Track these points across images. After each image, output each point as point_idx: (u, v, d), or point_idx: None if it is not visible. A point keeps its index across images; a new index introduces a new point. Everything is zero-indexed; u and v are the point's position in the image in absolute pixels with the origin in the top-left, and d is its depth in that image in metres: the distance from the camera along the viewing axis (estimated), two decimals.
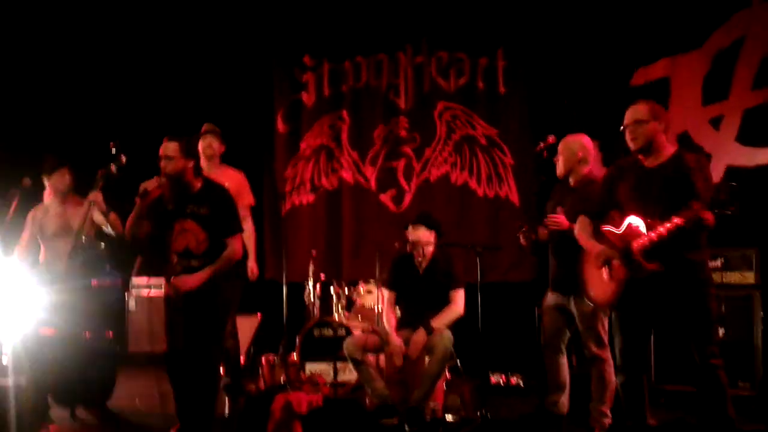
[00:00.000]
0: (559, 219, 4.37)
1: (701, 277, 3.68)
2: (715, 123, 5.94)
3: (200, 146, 5.30)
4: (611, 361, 4.32)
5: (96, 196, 4.85)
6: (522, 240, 4.64)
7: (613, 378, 4.30)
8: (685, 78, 6.08)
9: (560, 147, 4.53)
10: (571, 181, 4.49)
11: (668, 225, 3.46)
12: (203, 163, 5.19)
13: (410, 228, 5.10)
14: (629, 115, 3.77)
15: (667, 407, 5.00)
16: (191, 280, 4.19)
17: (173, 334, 4.35)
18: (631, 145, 3.76)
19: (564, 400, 4.52)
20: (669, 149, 3.76)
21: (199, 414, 4.28)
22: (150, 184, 4.26)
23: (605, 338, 4.35)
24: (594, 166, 6.29)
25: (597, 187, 4.31)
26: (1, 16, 6.95)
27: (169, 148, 4.23)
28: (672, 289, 3.62)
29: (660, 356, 5.20)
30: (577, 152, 4.47)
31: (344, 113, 7.40)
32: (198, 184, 4.32)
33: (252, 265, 5.55)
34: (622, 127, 3.79)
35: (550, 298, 4.57)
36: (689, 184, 3.53)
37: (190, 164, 4.28)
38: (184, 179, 4.26)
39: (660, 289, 3.63)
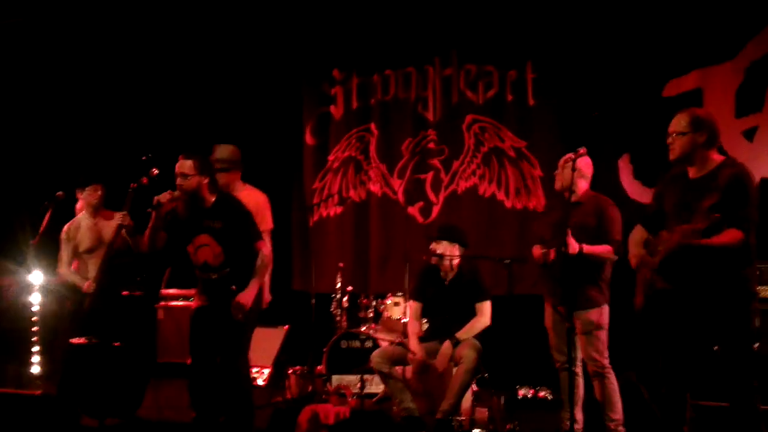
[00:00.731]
0: (570, 243, 4.31)
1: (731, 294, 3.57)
2: (749, 135, 5.85)
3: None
4: (612, 371, 4.35)
5: (125, 218, 4.95)
6: (540, 257, 4.57)
7: (617, 387, 4.30)
8: (717, 89, 6.01)
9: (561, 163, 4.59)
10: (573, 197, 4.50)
11: (681, 239, 3.47)
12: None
13: (433, 242, 5.10)
14: (671, 123, 3.73)
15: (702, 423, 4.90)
16: (247, 298, 4.28)
17: (202, 348, 4.39)
18: (669, 154, 3.72)
19: (580, 416, 4.47)
20: (714, 161, 3.67)
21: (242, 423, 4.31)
22: (163, 197, 4.34)
23: (606, 350, 4.37)
24: (624, 179, 6.30)
25: (601, 203, 4.40)
26: (41, 31, 7.09)
27: (185, 165, 4.36)
28: (699, 307, 3.55)
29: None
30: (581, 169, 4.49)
31: (372, 126, 7.41)
32: (212, 199, 4.42)
33: (265, 293, 5.19)
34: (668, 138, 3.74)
35: (554, 315, 4.52)
36: (722, 197, 3.49)
37: (205, 181, 4.39)
38: (199, 195, 4.38)
39: (686, 308, 3.57)
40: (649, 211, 3.93)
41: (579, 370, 4.53)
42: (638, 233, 3.94)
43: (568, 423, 4.40)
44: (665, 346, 3.73)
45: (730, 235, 3.45)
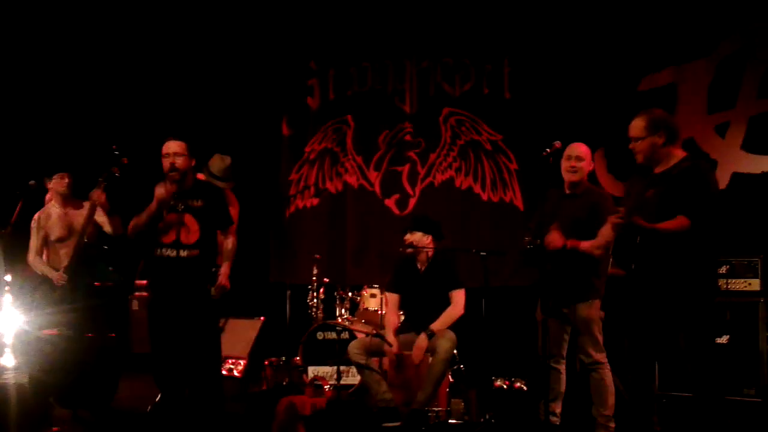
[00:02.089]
0: (554, 239, 4.33)
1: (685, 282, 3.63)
2: (721, 130, 5.94)
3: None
4: (609, 366, 4.33)
5: (99, 195, 4.90)
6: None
7: (612, 382, 4.30)
8: (690, 85, 6.09)
9: (582, 153, 4.50)
10: (574, 178, 4.49)
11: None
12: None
13: (408, 233, 5.12)
14: (630, 130, 3.79)
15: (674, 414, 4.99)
16: (227, 280, 4.47)
17: (165, 337, 4.38)
18: (635, 159, 3.79)
19: (559, 409, 4.52)
20: (677, 156, 3.75)
21: (211, 405, 4.33)
22: (166, 194, 4.31)
23: (602, 343, 4.37)
24: (599, 173, 6.36)
25: (599, 193, 4.36)
26: (13, 20, 6.96)
27: (179, 146, 4.38)
28: (655, 293, 3.62)
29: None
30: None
31: (349, 118, 7.40)
32: (190, 182, 4.48)
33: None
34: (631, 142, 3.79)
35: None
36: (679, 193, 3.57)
37: (193, 163, 4.46)
38: (186, 176, 4.40)
39: (641, 294, 3.64)
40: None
41: (563, 366, 4.55)
42: (609, 230, 3.97)
43: (550, 416, 4.41)
44: (628, 333, 3.79)
45: (677, 222, 3.53)
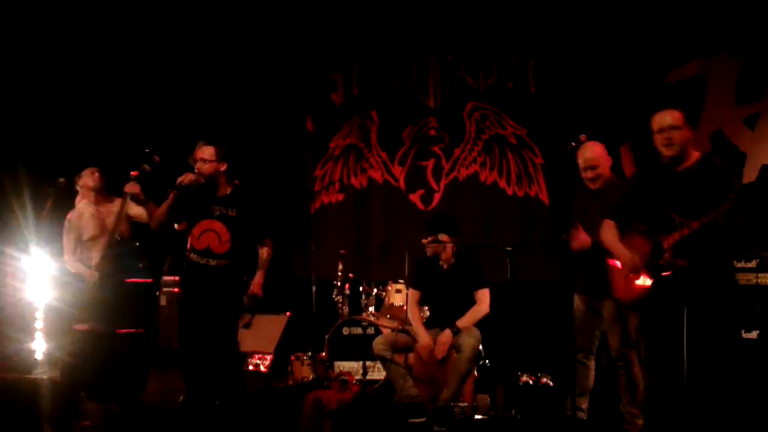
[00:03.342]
0: (582, 238, 4.30)
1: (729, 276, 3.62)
2: (750, 122, 5.86)
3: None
4: (638, 362, 4.29)
5: (133, 187, 4.89)
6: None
7: (641, 379, 4.27)
8: (719, 77, 6.02)
9: (596, 158, 4.41)
10: (596, 185, 4.42)
11: (704, 219, 3.44)
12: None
13: (425, 234, 5.12)
14: (664, 120, 3.68)
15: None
16: (260, 288, 4.56)
17: (193, 336, 4.43)
18: (666, 151, 3.67)
19: (586, 405, 4.50)
20: (695, 154, 3.72)
21: (234, 403, 4.38)
22: (186, 178, 4.36)
23: (633, 339, 4.30)
24: (626, 167, 6.31)
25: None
26: (43, 22, 7.05)
27: (206, 151, 4.46)
28: (701, 288, 3.57)
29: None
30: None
31: (373, 113, 7.40)
32: (228, 189, 4.50)
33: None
34: (657, 130, 3.72)
35: (581, 300, 4.53)
36: (724, 182, 3.51)
37: (222, 168, 4.47)
38: (216, 181, 4.45)
39: (689, 289, 3.58)
40: (619, 204, 3.91)
41: (592, 361, 4.52)
42: (611, 228, 3.89)
43: (577, 411, 4.43)
44: (656, 332, 3.74)
45: (725, 207, 3.47)
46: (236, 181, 4.59)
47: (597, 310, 4.40)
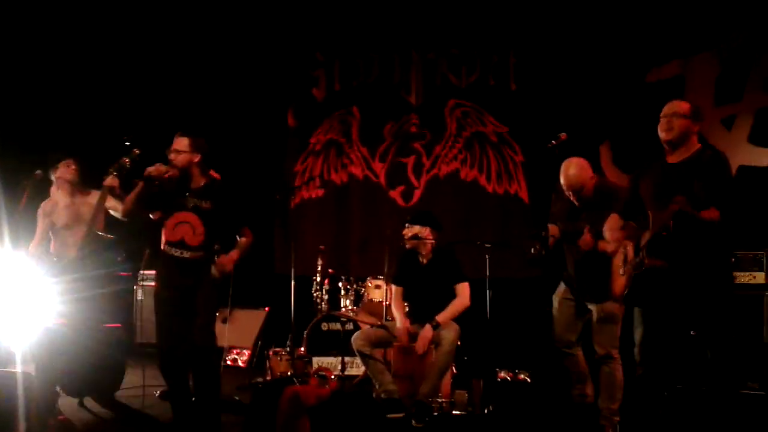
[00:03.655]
0: (588, 240, 4.32)
1: (712, 274, 3.63)
2: (728, 123, 5.93)
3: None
4: (620, 361, 4.33)
5: (112, 181, 4.87)
6: (531, 251, 4.49)
7: (622, 376, 4.31)
8: (698, 78, 6.09)
9: (580, 178, 4.37)
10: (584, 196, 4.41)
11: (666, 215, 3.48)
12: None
13: (406, 227, 5.14)
14: (668, 107, 3.76)
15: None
16: (229, 260, 4.43)
17: (169, 327, 4.40)
18: (663, 135, 3.74)
19: (589, 390, 4.52)
20: (695, 146, 3.76)
21: (209, 399, 4.36)
22: (155, 170, 4.31)
23: (618, 340, 4.36)
24: (605, 165, 6.36)
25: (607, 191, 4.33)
26: (25, 13, 6.96)
27: (181, 143, 4.40)
28: (684, 285, 3.60)
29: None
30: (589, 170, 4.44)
31: (354, 109, 7.40)
32: (202, 181, 4.44)
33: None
34: (662, 115, 3.76)
35: (563, 291, 4.56)
36: (702, 180, 3.54)
37: (196, 159, 4.41)
38: (189, 172, 4.39)
39: (673, 285, 3.62)
40: (626, 200, 3.94)
41: (577, 350, 4.53)
42: (615, 221, 3.97)
43: (582, 398, 4.48)
44: (651, 325, 3.77)
45: (712, 213, 3.50)
46: (212, 172, 4.55)
47: (584, 308, 4.42)
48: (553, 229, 4.50)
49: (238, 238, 4.58)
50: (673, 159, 3.75)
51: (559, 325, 4.54)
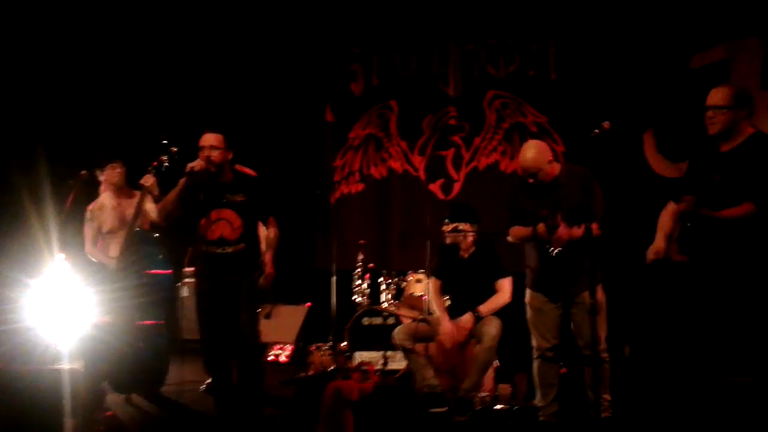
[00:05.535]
0: (562, 234, 4.19)
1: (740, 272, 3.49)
2: None
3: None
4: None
5: (148, 179, 4.93)
6: (544, 232, 4.24)
7: (608, 371, 4.27)
8: (744, 62, 5.92)
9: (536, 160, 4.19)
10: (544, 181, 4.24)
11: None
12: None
13: (446, 222, 5.09)
14: (711, 96, 3.62)
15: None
16: (269, 265, 4.50)
17: (213, 323, 4.43)
18: (708, 130, 3.62)
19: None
20: (746, 132, 3.60)
21: (253, 393, 4.41)
22: (196, 164, 4.33)
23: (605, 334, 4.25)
24: (648, 154, 6.22)
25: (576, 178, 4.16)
26: (70, 22, 7.08)
27: (215, 139, 4.38)
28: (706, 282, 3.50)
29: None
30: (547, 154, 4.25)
31: (393, 103, 7.38)
32: (230, 176, 4.46)
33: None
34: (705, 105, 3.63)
35: (539, 298, 4.39)
36: (749, 169, 3.43)
37: (230, 156, 4.44)
38: (223, 169, 4.40)
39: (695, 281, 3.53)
40: (680, 187, 3.82)
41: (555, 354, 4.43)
42: (670, 210, 3.81)
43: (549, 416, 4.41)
44: (682, 323, 3.68)
45: (743, 209, 3.41)
46: (238, 166, 4.57)
47: (565, 305, 4.31)
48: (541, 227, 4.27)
49: (266, 232, 4.58)
50: (725, 147, 3.63)
51: (549, 331, 4.37)
